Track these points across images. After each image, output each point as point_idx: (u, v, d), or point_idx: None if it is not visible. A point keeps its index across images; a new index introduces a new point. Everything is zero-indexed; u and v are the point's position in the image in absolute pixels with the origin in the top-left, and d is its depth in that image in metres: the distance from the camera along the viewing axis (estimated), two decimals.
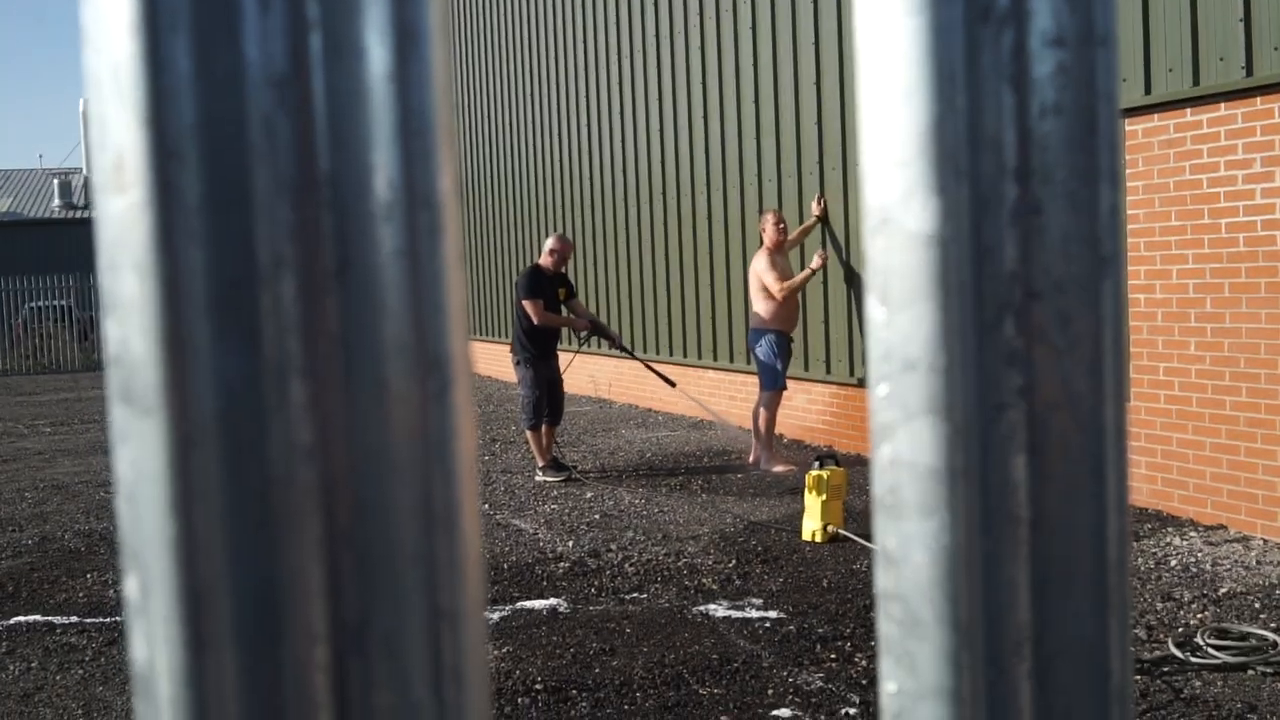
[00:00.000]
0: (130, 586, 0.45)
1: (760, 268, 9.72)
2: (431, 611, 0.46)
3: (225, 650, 0.44)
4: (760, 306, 9.79)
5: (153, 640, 0.44)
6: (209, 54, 0.43)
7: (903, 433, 0.53)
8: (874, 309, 0.53)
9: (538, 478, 9.73)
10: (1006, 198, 0.54)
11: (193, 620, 0.43)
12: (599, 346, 14.53)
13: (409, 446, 0.45)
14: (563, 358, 10.09)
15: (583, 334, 10.43)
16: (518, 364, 9.91)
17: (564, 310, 10.04)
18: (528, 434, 9.86)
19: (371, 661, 0.45)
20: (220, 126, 0.43)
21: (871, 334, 0.54)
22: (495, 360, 18.37)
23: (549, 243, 10.03)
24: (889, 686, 0.54)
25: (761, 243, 9.95)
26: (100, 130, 0.44)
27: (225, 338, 0.43)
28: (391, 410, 0.45)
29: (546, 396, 9.79)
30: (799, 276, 9.87)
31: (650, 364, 11.63)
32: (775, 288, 9.61)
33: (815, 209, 10.48)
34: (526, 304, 9.66)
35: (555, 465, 9.77)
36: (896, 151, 0.52)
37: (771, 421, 9.91)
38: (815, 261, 9.88)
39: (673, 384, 11.21)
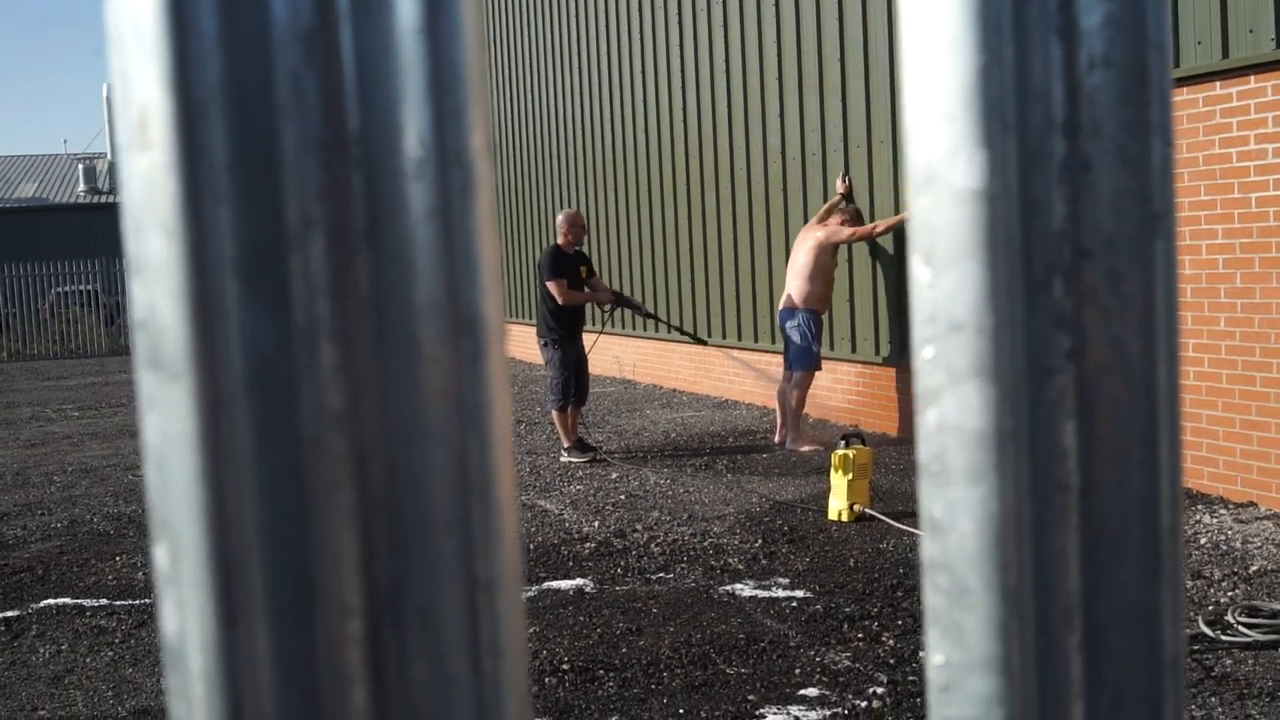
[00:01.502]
0: (160, 556, 0.44)
1: (832, 234, 9.67)
2: (468, 581, 0.45)
3: (257, 621, 0.42)
4: (799, 285, 9.74)
5: (183, 611, 0.43)
6: (234, 8, 0.41)
7: (949, 396, 0.51)
8: (918, 269, 0.52)
9: (563, 458, 9.74)
10: (1055, 153, 0.52)
11: (224, 590, 0.42)
12: (623, 327, 14.52)
13: (443, 411, 0.44)
14: (586, 338, 10.08)
15: (607, 308, 10.41)
16: (544, 345, 9.90)
17: (585, 289, 10.03)
18: (554, 414, 9.85)
19: (406, 633, 0.44)
20: (246, 83, 0.42)
21: (916, 294, 0.53)
22: (518, 341, 18.39)
23: (559, 221, 10.00)
24: (936, 659, 0.53)
25: (809, 217, 9.92)
26: (124, 87, 0.42)
27: (254, 300, 0.42)
28: (424, 374, 0.44)
29: (574, 377, 9.79)
30: (894, 218, 9.76)
31: (677, 327, 11.72)
32: (869, 228, 9.57)
33: (840, 188, 10.42)
34: (550, 285, 9.65)
35: (581, 446, 9.77)
36: (941, 104, 0.50)
37: (802, 402, 9.89)
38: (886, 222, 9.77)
39: (704, 342, 11.29)
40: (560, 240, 9.91)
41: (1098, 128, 0.52)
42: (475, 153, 0.44)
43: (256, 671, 0.43)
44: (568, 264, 9.80)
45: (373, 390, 0.43)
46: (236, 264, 0.42)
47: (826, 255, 9.75)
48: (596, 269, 11.52)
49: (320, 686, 0.44)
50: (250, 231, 0.42)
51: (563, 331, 9.75)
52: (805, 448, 9.67)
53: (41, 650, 5.71)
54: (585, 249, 10.38)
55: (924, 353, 0.52)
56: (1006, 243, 0.50)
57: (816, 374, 10.04)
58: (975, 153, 0.50)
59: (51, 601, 6.48)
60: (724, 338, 12.88)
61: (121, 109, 0.43)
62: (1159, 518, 0.55)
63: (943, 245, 0.51)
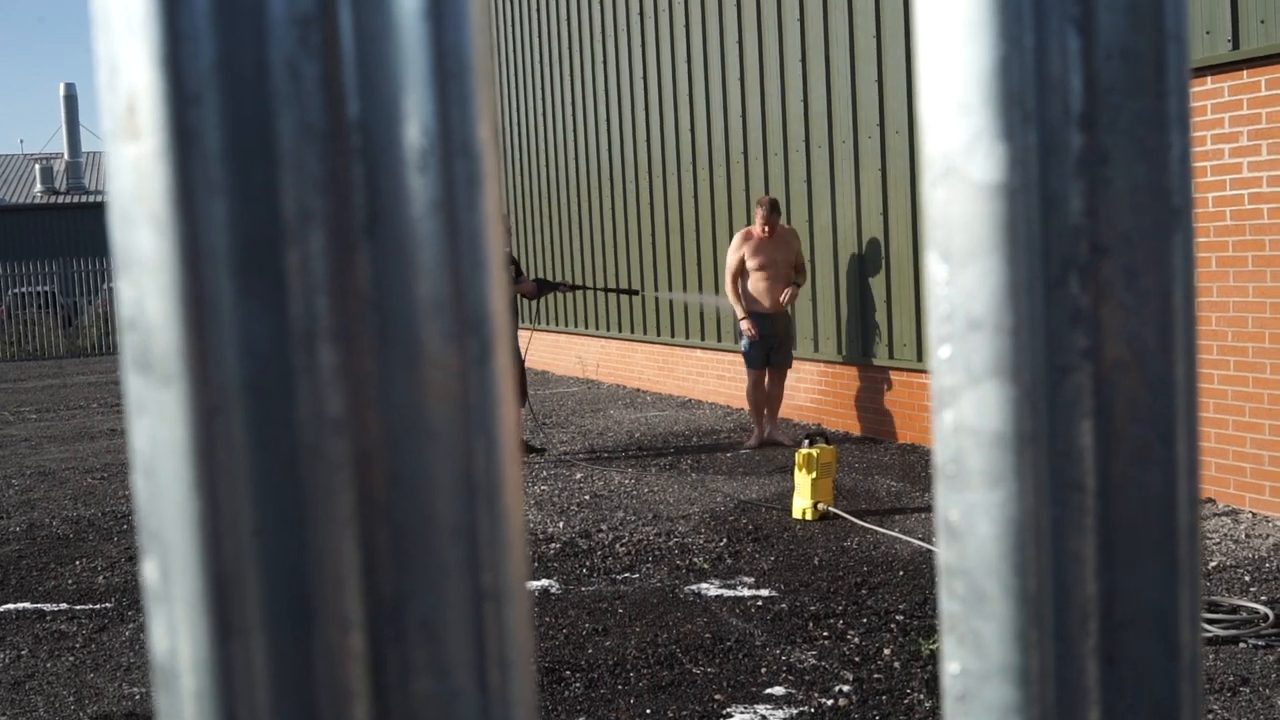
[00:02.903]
0: (149, 570, 0.41)
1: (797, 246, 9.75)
2: (474, 592, 0.42)
3: (253, 638, 0.40)
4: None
5: (174, 628, 0.41)
6: None
7: (967, 397, 0.50)
8: (935, 265, 0.50)
9: None
10: (1072, 146, 0.50)
11: (217, 605, 0.40)
12: (584, 327, 14.50)
13: (447, 414, 0.42)
14: (521, 336, 10.01)
15: (533, 299, 10.38)
16: None
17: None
18: None
19: (410, 647, 0.42)
20: (241, 69, 0.39)
21: (933, 291, 0.51)
22: None
23: None
24: (952, 667, 0.51)
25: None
26: (110, 72, 0.40)
27: (249, 298, 0.39)
28: (428, 375, 0.42)
29: None
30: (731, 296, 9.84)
31: (608, 289, 11.91)
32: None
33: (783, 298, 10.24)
34: None
35: (525, 447, 9.74)
36: (959, 95, 0.49)
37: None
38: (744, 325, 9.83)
39: (637, 292, 11.46)
40: None
41: (1115, 120, 0.51)
42: (482, 143, 0.42)
43: (253, 689, 0.41)
44: None
45: (374, 392, 0.41)
46: (231, 259, 0.39)
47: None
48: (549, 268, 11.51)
49: (319, 703, 0.41)
50: (245, 225, 0.39)
51: None
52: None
53: (1, 656, 5.62)
54: (518, 246, 10.38)
55: (941, 352, 0.50)
56: (1027, 238, 0.49)
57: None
58: (995, 145, 0.48)
59: (10, 606, 6.39)
60: (687, 338, 12.87)
61: (108, 95, 0.40)
62: (1177, 518, 0.53)
63: (961, 240, 0.49)
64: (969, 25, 0.48)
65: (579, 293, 14.41)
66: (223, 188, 0.39)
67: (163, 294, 0.39)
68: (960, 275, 0.49)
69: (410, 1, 0.41)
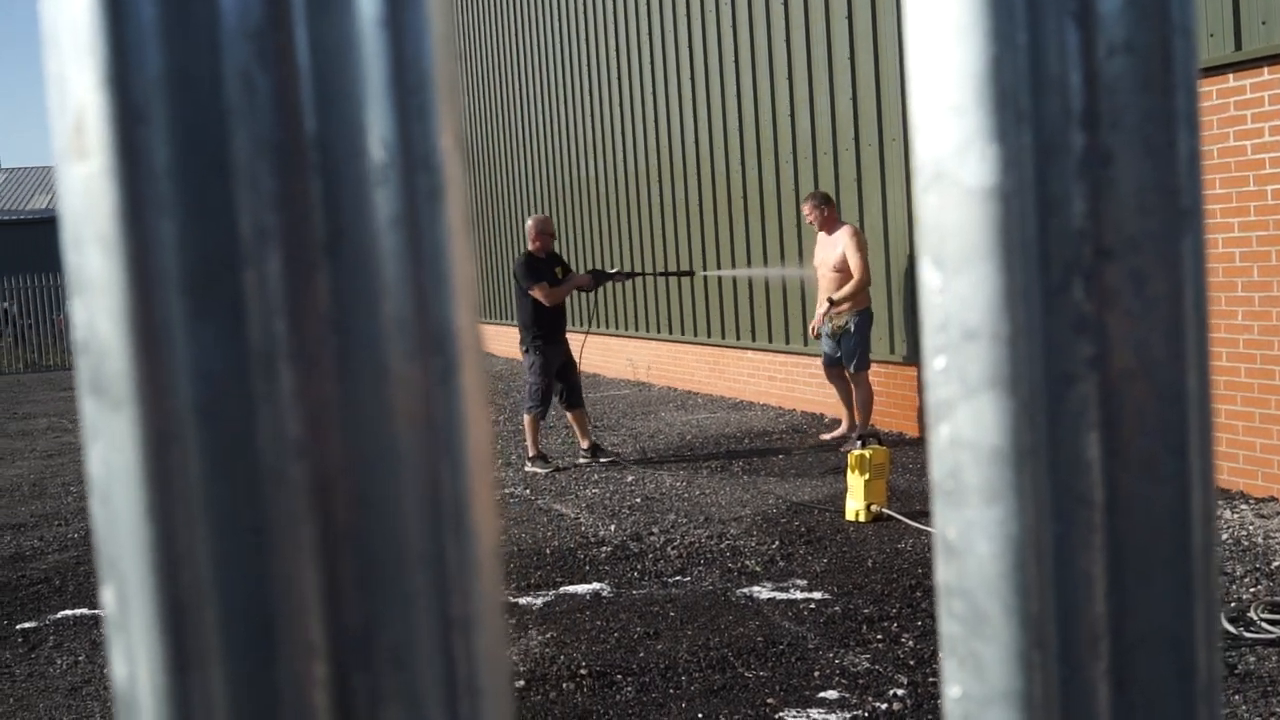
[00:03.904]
0: (107, 597, 0.40)
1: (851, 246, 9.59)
2: (442, 619, 0.41)
3: (212, 668, 0.39)
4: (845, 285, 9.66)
5: (133, 658, 0.40)
6: (177, 1, 0.38)
7: (963, 409, 0.48)
8: (928, 273, 0.48)
9: (526, 468, 9.68)
10: (1073, 146, 0.48)
11: (175, 635, 0.39)
12: (635, 329, 14.50)
13: (413, 436, 0.41)
14: (574, 339, 9.99)
15: (590, 291, 10.36)
16: (525, 351, 9.82)
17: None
18: (526, 418, 9.77)
19: (377, 676, 0.41)
20: (191, 84, 0.38)
21: (926, 300, 0.49)
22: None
23: (528, 227, 9.96)
24: (952, 691, 0.49)
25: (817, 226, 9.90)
26: (59, 90, 0.39)
27: (203, 320, 0.38)
28: (392, 395, 0.40)
29: (555, 383, 9.72)
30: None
31: (664, 272, 11.95)
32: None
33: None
34: (534, 291, 9.55)
35: (543, 457, 9.70)
36: (950, 96, 0.47)
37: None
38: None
39: (690, 273, 11.50)
40: (531, 247, 9.85)
41: (1119, 118, 0.49)
42: (444, 155, 0.41)
43: (213, 719, 0.39)
44: (543, 267, 9.74)
45: (336, 415, 0.40)
46: (183, 280, 0.38)
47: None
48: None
49: None
50: (198, 245, 0.38)
51: (543, 336, 9.64)
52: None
53: (59, 661, 5.69)
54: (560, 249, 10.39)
55: (935, 363, 0.48)
56: (1023, 243, 0.47)
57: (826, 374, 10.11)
58: (988, 147, 0.46)
59: (69, 612, 6.48)
60: (738, 339, 12.83)
61: (58, 114, 0.39)
62: (1190, 534, 0.51)
63: (953, 247, 0.47)
64: (959, 24, 0.46)
65: (631, 288, 14.41)
66: (173, 207, 0.38)
67: (113, 316, 0.38)
68: (954, 283, 0.47)
69: (368, 10, 0.40)
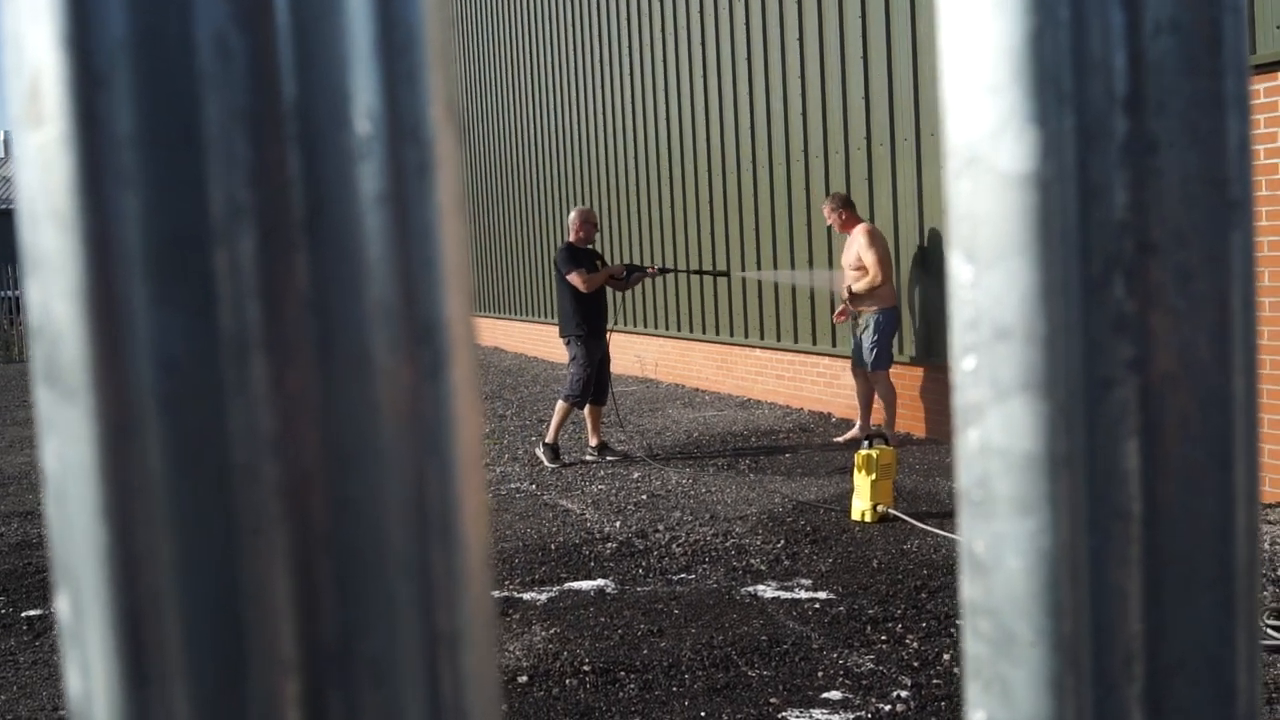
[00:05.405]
0: (62, 605, 0.37)
1: (864, 244, 9.57)
2: (426, 633, 0.38)
3: (174, 683, 0.36)
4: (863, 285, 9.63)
5: (88, 671, 0.36)
6: None
7: (994, 414, 0.44)
8: (959, 266, 0.45)
9: (536, 450, 9.73)
10: (1115, 133, 0.45)
11: (132, 647, 0.36)
12: (643, 326, 14.46)
13: (397, 433, 0.37)
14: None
15: (623, 285, 10.33)
16: (568, 342, 9.84)
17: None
18: (560, 404, 9.75)
19: (355, 693, 0.38)
20: (159, 45, 0.35)
21: (956, 296, 0.45)
22: (542, 339, 18.36)
23: (571, 218, 9.99)
24: (976, 716, 0.46)
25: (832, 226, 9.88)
26: (15, 51, 0.36)
27: (168, 303, 0.35)
28: (375, 389, 0.37)
29: (594, 376, 9.74)
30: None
31: (696, 270, 11.92)
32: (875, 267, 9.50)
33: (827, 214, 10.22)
34: (572, 277, 9.59)
35: (555, 450, 9.68)
36: (986, 75, 0.43)
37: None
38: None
39: (726, 274, 11.48)
40: (572, 238, 9.88)
41: (1165, 103, 0.45)
42: (434, 126, 0.37)
43: None
44: (583, 257, 9.77)
45: (313, 408, 0.37)
46: (146, 260, 0.35)
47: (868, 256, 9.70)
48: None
49: None
50: (163, 221, 0.35)
51: (587, 327, 9.67)
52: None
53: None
54: (598, 245, 10.38)
55: (965, 363, 0.45)
56: (1061, 235, 0.43)
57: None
58: (1025, 130, 0.43)
59: None
60: (746, 337, 12.79)
61: (14, 78, 0.36)
62: (1233, 550, 0.48)
63: (987, 238, 0.44)
64: None
65: (654, 283, 14.36)
66: (136, 179, 0.35)
67: (68, 297, 0.35)
68: (986, 277, 0.44)
69: None
